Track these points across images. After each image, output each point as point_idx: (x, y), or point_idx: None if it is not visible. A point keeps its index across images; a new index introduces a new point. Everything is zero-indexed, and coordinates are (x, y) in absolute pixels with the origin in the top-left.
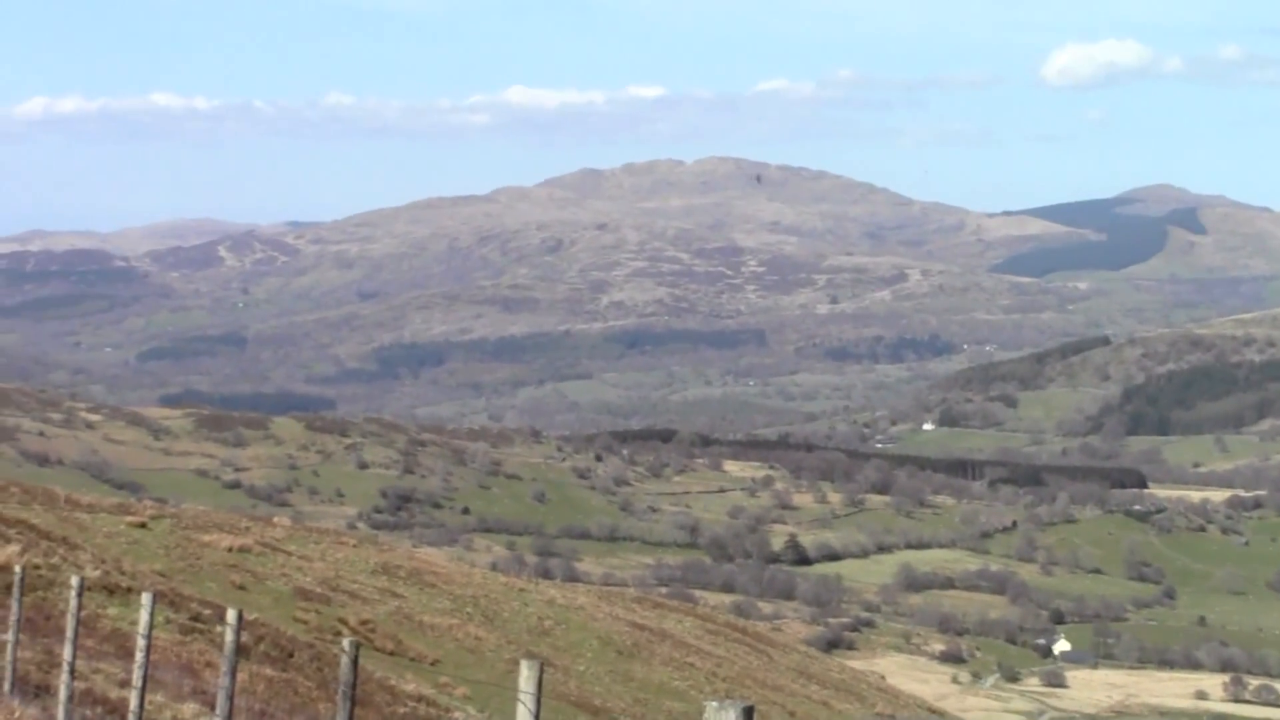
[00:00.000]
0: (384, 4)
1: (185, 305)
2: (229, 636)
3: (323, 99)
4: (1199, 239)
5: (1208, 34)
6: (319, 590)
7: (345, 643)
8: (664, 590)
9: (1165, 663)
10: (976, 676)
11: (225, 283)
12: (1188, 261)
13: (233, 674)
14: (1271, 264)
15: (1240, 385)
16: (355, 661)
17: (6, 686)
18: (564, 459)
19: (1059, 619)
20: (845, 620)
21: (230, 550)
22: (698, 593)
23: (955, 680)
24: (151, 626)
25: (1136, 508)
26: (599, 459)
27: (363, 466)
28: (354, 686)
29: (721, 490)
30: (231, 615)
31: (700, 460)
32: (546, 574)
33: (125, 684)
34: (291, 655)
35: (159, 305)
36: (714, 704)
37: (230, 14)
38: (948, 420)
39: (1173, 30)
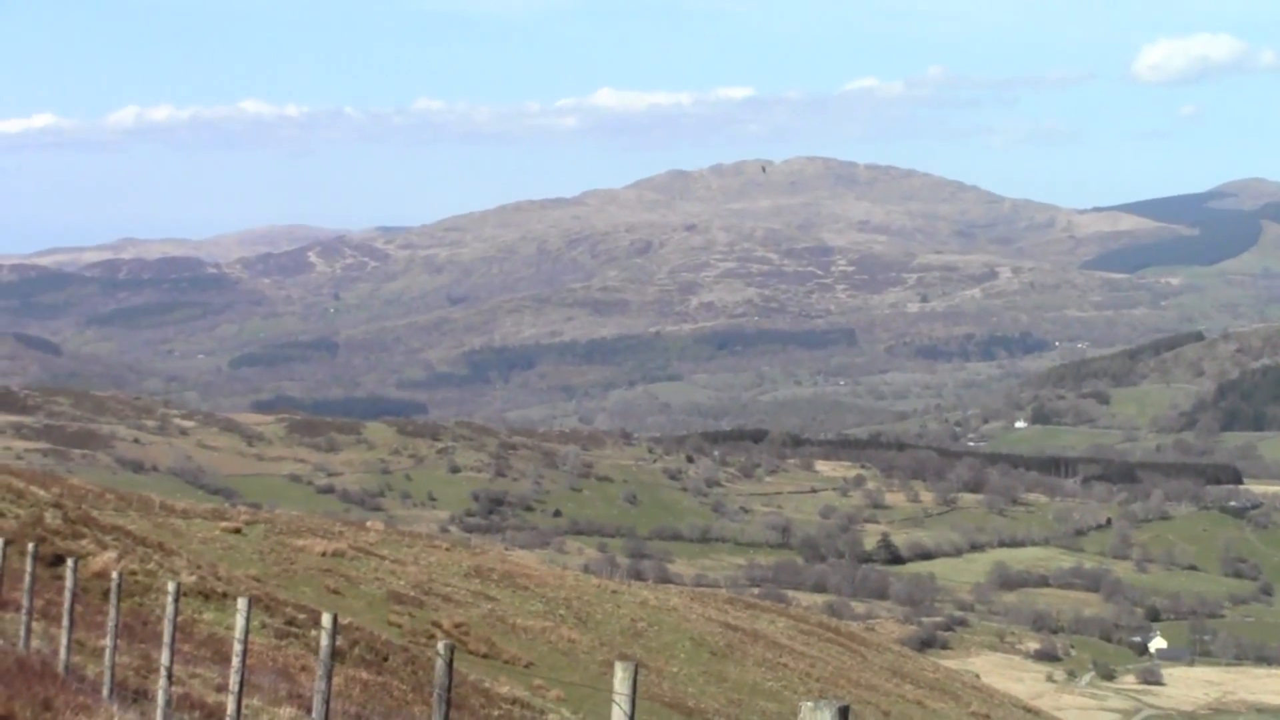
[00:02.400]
0: (474, 9)
1: (277, 311)
2: (324, 640)
3: (412, 104)
4: None
5: None
6: (412, 594)
7: (440, 645)
8: (756, 591)
9: (1263, 659)
10: (1072, 675)
11: (316, 288)
12: None
13: (329, 677)
14: None
15: None
16: (450, 664)
17: (105, 691)
18: (655, 460)
19: (1154, 616)
20: (939, 619)
21: (324, 555)
22: (790, 593)
23: (1050, 679)
24: (247, 631)
25: (1232, 504)
26: (690, 460)
27: (454, 470)
28: (449, 689)
29: (813, 490)
30: (327, 619)
31: (791, 460)
32: (639, 576)
33: (222, 688)
34: (386, 659)
35: (251, 312)
36: (809, 704)
37: (320, 21)
38: (1040, 418)
39: (1267, 23)
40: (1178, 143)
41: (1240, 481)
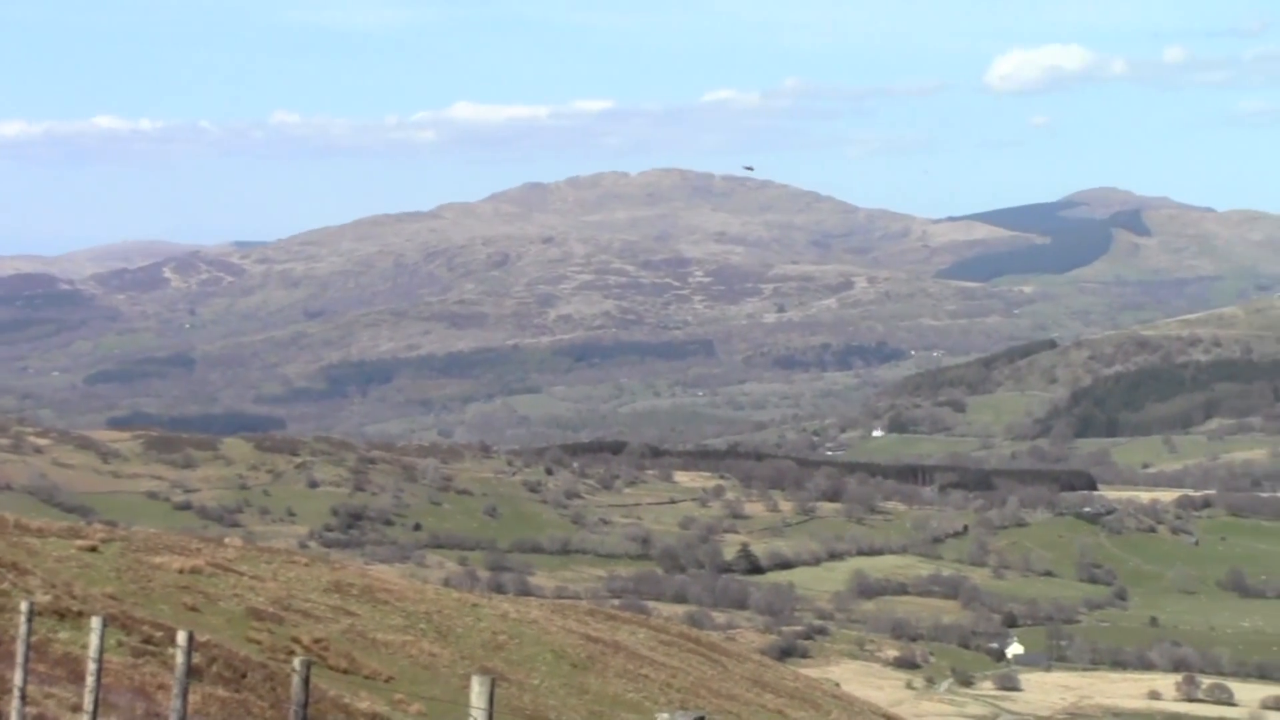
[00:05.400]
0: (331, 21)
1: (132, 327)
2: (180, 658)
3: (269, 118)
4: (1144, 241)
5: (1151, 37)
6: (271, 610)
7: (296, 662)
8: (617, 602)
9: (1118, 664)
10: (931, 682)
11: (172, 304)
12: (1133, 263)
13: (184, 696)
14: (1216, 265)
15: (1187, 386)
16: (307, 680)
17: None
18: (514, 473)
19: (1011, 622)
20: (799, 628)
21: (182, 572)
22: (651, 604)
23: (910, 686)
24: (103, 650)
25: (1086, 510)
26: (549, 472)
27: (313, 485)
28: (305, 705)
29: (672, 501)
30: (182, 637)
31: (650, 472)
32: (499, 588)
33: (77, 708)
34: (245, 676)
35: (106, 328)
36: (665, 716)
37: (175, 34)
38: (897, 426)
39: (1116, 34)
40: (1030, 152)
41: (1094, 487)
